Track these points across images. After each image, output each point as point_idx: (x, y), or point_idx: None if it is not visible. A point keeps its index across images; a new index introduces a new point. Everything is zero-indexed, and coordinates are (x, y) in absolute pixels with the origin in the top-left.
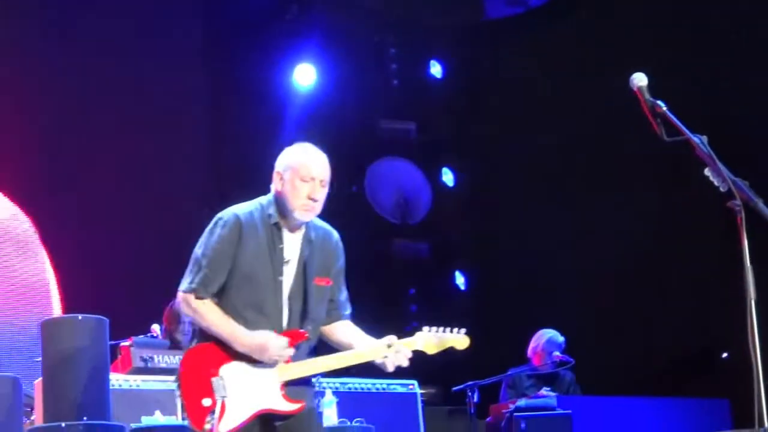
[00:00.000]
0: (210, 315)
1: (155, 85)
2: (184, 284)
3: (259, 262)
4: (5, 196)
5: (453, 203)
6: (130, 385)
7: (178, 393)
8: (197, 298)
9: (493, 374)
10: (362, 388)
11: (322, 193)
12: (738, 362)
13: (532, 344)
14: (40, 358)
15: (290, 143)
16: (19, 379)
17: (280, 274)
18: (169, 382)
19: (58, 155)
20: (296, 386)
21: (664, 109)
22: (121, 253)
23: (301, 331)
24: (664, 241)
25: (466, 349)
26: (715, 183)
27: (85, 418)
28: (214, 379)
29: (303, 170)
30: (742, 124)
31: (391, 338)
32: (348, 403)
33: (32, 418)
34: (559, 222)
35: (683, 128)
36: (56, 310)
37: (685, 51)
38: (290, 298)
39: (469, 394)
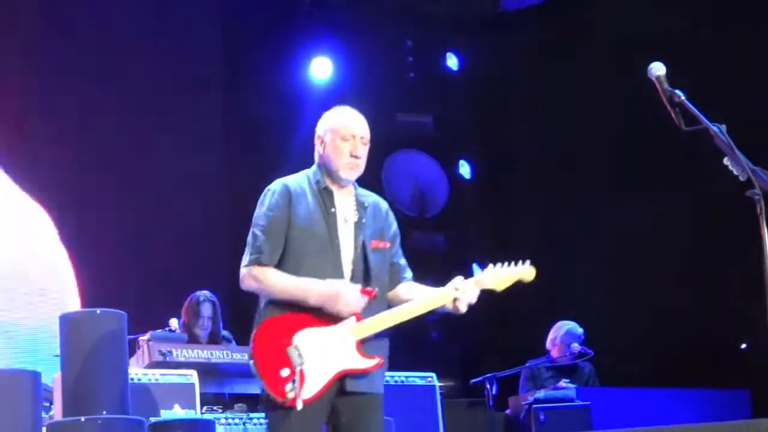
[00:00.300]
0: (276, 278)
1: (172, 78)
2: (244, 260)
3: (315, 228)
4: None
5: (470, 196)
6: (149, 379)
7: (254, 369)
8: (259, 266)
9: (512, 366)
10: None
11: (363, 150)
12: (758, 352)
13: (550, 336)
14: (58, 354)
15: (306, 137)
16: (39, 374)
17: (337, 237)
18: (187, 376)
19: (75, 149)
20: (371, 342)
21: (683, 98)
22: (140, 247)
23: (369, 289)
24: (685, 232)
25: (490, 335)
26: (734, 172)
27: (104, 412)
28: (289, 349)
29: (343, 129)
30: (761, 111)
31: (458, 279)
32: None
33: (51, 413)
34: (578, 214)
35: (702, 117)
36: (75, 304)
37: (703, 39)
38: (352, 265)
39: (488, 386)
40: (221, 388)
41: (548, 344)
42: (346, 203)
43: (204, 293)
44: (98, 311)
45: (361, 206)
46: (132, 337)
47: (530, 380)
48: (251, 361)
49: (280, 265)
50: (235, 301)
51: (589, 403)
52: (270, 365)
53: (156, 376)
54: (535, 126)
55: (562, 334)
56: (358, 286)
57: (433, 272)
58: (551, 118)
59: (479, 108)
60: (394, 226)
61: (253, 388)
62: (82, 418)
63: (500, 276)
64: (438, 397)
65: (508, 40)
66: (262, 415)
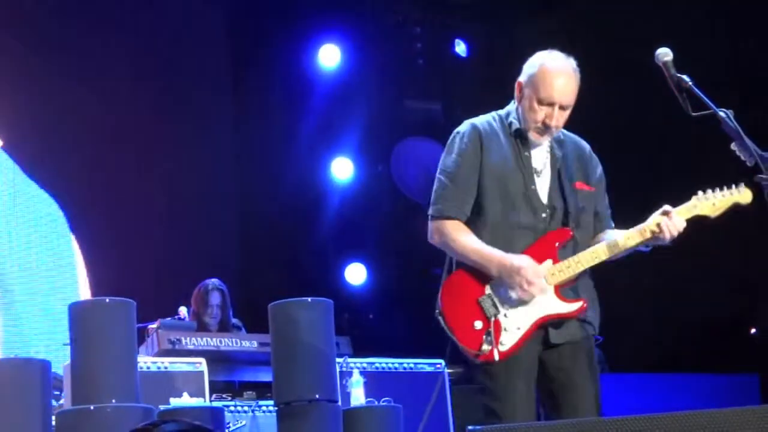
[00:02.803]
0: (459, 238)
1: (181, 68)
2: (431, 210)
3: (508, 173)
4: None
5: None
6: (158, 368)
7: (443, 323)
8: (448, 218)
9: None
10: (389, 368)
11: (562, 118)
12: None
13: None
14: (68, 342)
15: (315, 125)
16: (48, 362)
17: (533, 183)
18: (197, 364)
19: (84, 140)
20: (573, 284)
21: (690, 84)
22: (147, 235)
23: (566, 228)
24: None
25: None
26: (742, 158)
27: (113, 400)
28: (481, 299)
29: (542, 92)
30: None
31: (666, 207)
32: (375, 382)
33: (61, 401)
34: None
35: (709, 103)
36: (84, 292)
37: (711, 26)
38: (549, 206)
39: None
40: (231, 376)
41: None
42: (541, 146)
43: (213, 281)
44: (107, 300)
45: (559, 145)
46: (141, 325)
47: None
48: (440, 317)
49: (475, 214)
50: (244, 288)
51: None
52: (461, 318)
53: (165, 364)
54: None
55: None
56: (545, 267)
57: (441, 259)
58: None
59: (488, 94)
60: (599, 169)
61: (264, 376)
62: (92, 407)
63: (715, 200)
64: (447, 383)
65: (517, 26)
66: (271, 402)
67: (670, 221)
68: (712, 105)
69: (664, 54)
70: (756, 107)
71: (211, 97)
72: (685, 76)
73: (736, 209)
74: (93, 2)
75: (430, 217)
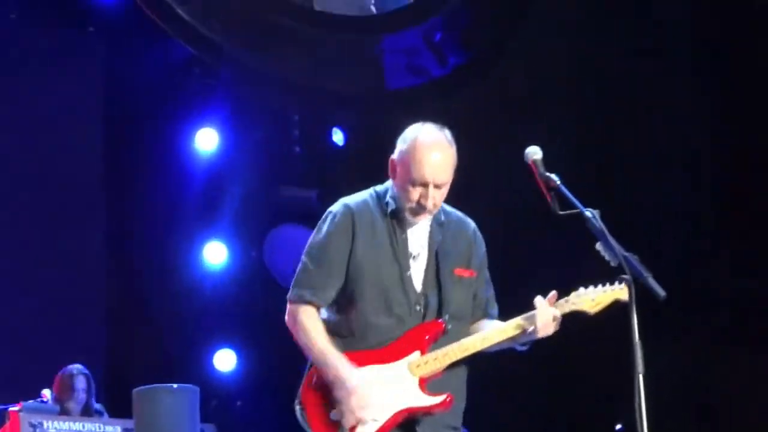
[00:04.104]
0: (307, 330)
1: (54, 148)
2: (289, 293)
3: (382, 260)
4: None
5: None
6: None
7: (300, 415)
8: (305, 303)
9: None
10: None
11: (439, 196)
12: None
13: None
14: None
15: (190, 209)
16: None
17: (407, 269)
18: None
19: None
20: (440, 378)
21: (558, 183)
22: (12, 312)
23: (439, 321)
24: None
25: None
26: (606, 257)
27: None
28: None
29: (414, 172)
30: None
31: (538, 301)
32: None
33: None
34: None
35: (576, 202)
36: None
37: (581, 123)
38: (423, 294)
39: None
40: None
41: None
42: (419, 227)
43: (77, 366)
44: None
45: (438, 226)
46: (2, 407)
47: None
48: (298, 407)
49: (346, 301)
50: (109, 372)
51: None
52: (319, 408)
53: None
54: None
55: None
56: (412, 359)
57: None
58: None
59: (364, 184)
60: (483, 249)
61: None
62: None
63: (595, 296)
64: None
65: (393, 116)
66: None
67: (540, 314)
68: (579, 204)
69: (534, 152)
70: None
71: (84, 177)
72: (553, 175)
73: (616, 305)
74: None
75: (288, 298)
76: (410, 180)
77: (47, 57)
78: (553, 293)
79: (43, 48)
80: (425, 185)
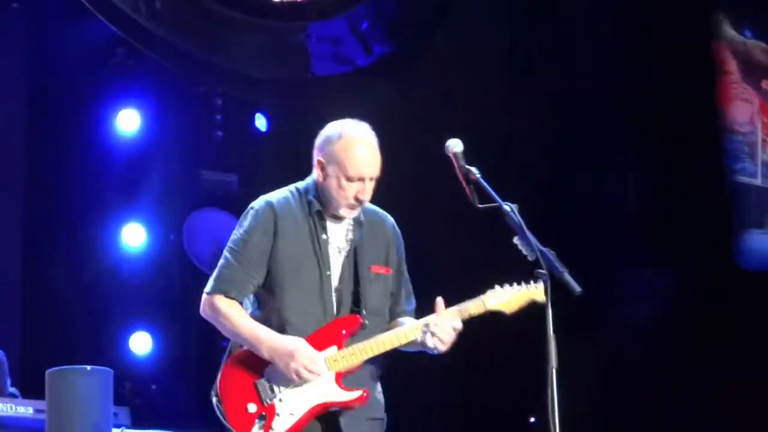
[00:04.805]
0: (231, 316)
1: None
2: (209, 285)
3: (303, 257)
4: None
5: None
6: None
7: (217, 406)
8: (226, 297)
9: None
10: None
11: (371, 189)
12: (546, 427)
13: None
14: None
15: (109, 190)
16: None
17: (328, 268)
18: None
19: None
20: (356, 373)
21: (478, 176)
22: None
23: (356, 315)
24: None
25: None
26: (524, 252)
27: None
28: (258, 382)
29: (351, 170)
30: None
31: (439, 304)
32: None
33: None
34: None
35: (495, 196)
36: None
37: (499, 115)
38: (339, 290)
39: None
40: None
41: None
42: (339, 226)
43: None
44: None
45: (357, 225)
46: None
47: None
48: (215, 399)
49: (262, 297)
50: (24, 354)
51: None
52: (236, 400)
53: None
54: None
55: None
56: (319, 355)
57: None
58: None
59: (285, 170)
60: (401, 247)
61: None
62: None
63: (510, 297)
64: None
65: (317, 103)
66: None
67: (437, 324)
68: (498, 198)
69: (454, 145)
70: None
71: (2, 156)
72: (473, 168)
73: (532, 306)
74: None
75: (206, 291)
76: (347, 177)
77: None
78: (439, 300)
79: None
80: (362, 180)
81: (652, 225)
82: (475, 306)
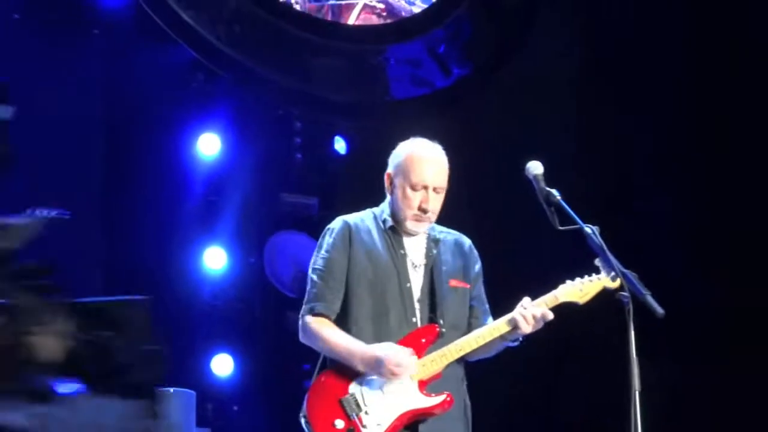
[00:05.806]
0: (326, 335)
1: (51, 155)
2: (302, 310)
3: (382, 270)
4: None
5: None
6: None
7: (305, 426)
8: (314, 315)
9: None
10: None
11: (437, 201)
12: None
13: None
14: None
15: (194, 212)
16: None
17: (408, 280)
18: None
19: None
20: (439, 379)
21: (558, 198)
22: None
23: (434, 324)
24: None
25: None
26: (605, 274)
27: None
28: (343, 399)
29: (414, 176)
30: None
31: (524, 300)
32: None
33: None
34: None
35: (576, 218)
36: None
37: (584, 135)
38: (420, 302)
39: None
40: None
41: None
42: (417, 243)
43: None
44: None
45: (434, 242)
46: None
47: None
48: (303, 420)
49: (342, 313)
50: None
51: None
52: (323, 419)
53: None
54: None
55: None
56: (408, 350)
57: (313, 352)
58: None
59: (365, 192)
60: (478, 264)
61: None
62: None
63: (582, 286)
64: None
65: (396, 125)
66: None
67: (526, 311)
68: (579, 220)
69: (535, 167)
70: None
71: (84, 182)
72: (554, 191)
73: (604, 294)
74: None
75: (300, 317)
76: (411, 185)
77: (50, 59)
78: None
79: (45, 50)
80: (425, 188)
81: (727, 245)
82: (550, 298)
